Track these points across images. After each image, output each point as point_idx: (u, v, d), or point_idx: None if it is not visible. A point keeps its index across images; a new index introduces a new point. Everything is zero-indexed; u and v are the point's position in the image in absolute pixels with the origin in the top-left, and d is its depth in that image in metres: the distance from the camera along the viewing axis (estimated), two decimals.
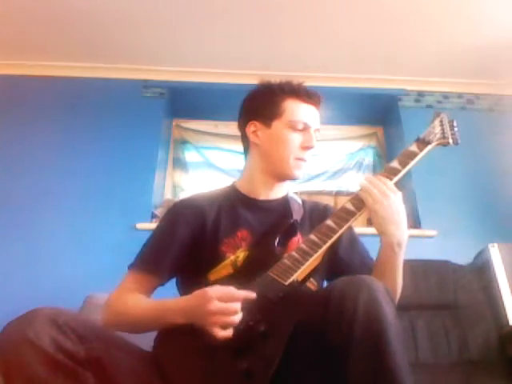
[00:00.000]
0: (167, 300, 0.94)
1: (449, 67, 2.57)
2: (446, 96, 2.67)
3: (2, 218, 2.17)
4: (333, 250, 1.06)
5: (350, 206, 1.00)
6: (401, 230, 0.97)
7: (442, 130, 1.11)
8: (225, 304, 0.81)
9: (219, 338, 0.79)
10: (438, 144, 1.10)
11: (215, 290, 0.83)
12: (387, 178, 1.01)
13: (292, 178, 1.16)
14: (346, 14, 2.23)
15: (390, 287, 0.96)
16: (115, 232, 2.14)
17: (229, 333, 0.80)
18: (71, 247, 2.10)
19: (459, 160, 2.32)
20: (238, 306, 0.81)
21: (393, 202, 0.96)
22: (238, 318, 0.81)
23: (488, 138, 2.48)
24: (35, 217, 2.19)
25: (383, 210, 0.95)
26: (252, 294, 0.84)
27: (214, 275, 1.03)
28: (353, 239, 1.17)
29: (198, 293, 0.85)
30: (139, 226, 2.14)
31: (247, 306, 0.83)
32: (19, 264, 2.06)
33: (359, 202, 1.00)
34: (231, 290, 0.83)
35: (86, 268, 2.00)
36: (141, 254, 1.10)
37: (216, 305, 0.80)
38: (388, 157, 2.75)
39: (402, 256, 0.99)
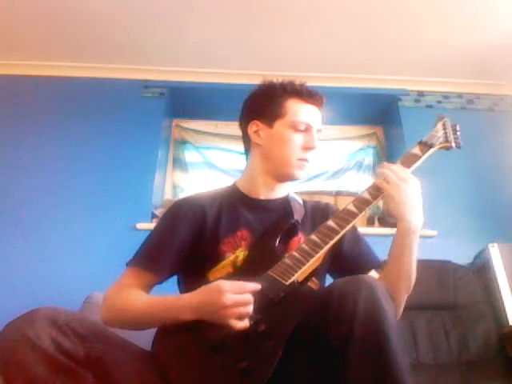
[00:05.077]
0: (171, 296, 0.94)
1: (449, 67, 2.57)
2: (446, 96, 2.67)
3: (2, 218, 2.17)
4: (336, 249, 1.05)
5: (351, 208, 1.00)
6: (417, 215, 0.98)
7: (445, 133, 1.13)
8: (238, 296, 0.82)
9: (238, 328, 0.80)
10: (440, 147, 1.12)
11: (226, 284, 0.83)
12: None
13: (294, 179, 1.16)
14: (346, 14, 2.23)
15: (408, 274, 0.98)
16: (115, 232, 2.14)
17: (246, 323, 0.81)
18: (71, 247, 2.10)
19: (459, 160, 2.31)
20: (250, 296, 0.83)
21: (410, 188, 0.98)
22: (251, 308, 0.82)
23: (488, 137, 2.48)
24: (35, 217, 2.19)
25: (401, 195, 0.97)
26: (258, 286, 0.85)
27: (213, 275, 1.02)
28: (356, 236, 1.17)
29: (209, 287, 0.85)
30: (139, 226, 2.14)
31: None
32: (19, 264, 2.05)
33: (361, 203, 1.00)
34: (241, 282, 0.84)
35: (86, 268, 2.00)
36: (140, 250, 1.09)
37: (231, 297, 0.81)
38: (388, 157, 2.75)
39: (416, 245, 0.99)
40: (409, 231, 0.97)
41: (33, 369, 0.71)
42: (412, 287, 1.01)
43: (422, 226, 0.98)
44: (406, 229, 0.97)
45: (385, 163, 1.05)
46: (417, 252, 0.99)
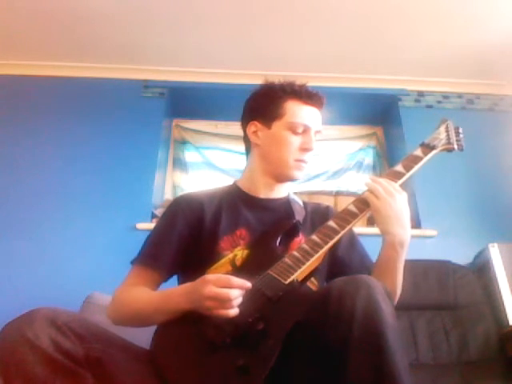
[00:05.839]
0: (169, 288, 0.96)
1: (449, 67, 2.57)
2: (446, 96, 2.67)
3: (2, 218, 2.17)
4: (332, 251, 1.06)
5: (352, 208, 1.01)
6: (404, 229, 0.98)
7: (448, 136, 1.14)
8: (220, 289, 0.81)
9: (221, 315, 0.80)
10: (442, 150, 1.12)
11: (212, 276, 0.85)
12: (391, 180, 1.02)
13: (292, 179, 1.16)
14: (346, 14, 2.23)
15: (390, 287, 0.96)
16: (115, 232, 2.14)
17: (234, 312, 0.81)
18: (71, 247, 2.10)
19: (459, 160, 2.31)
20: (232, 292, 0.81)
21: (397, 202, 0.97)
22: (233, 303, 0.81)
23: (488, 137, 2.48)
24: (35, 217, 2.19)
25: (387, 209, 0.96)
26: (247, 283, 0.84)
27: (212, 273, 1.02)
28: (352, 240, 1.18)
29: (199, 278, 0.87)
30: (139, 226, 2.14)
31: (246, 304, 0.84)
32: (19, 264, 2.05)
33: (362, 204, 1.01)
34: (228, 276, 0.84)
35: (86, 268, 2.00)
36: (142, 248, 1.11)
37: (211, 289, 0.81)
38: (388, 157, 2.75)
39: (403, 256, 0.99)
40: (394, 245, 0.97)
41: (32, 369, 0.71)
42: (396, 300, 1.02)
43: (408, 240, 0.98)
44: (390, 242, 0.98)
45: (372, 176, 1.04)
46: (402, 266, 1.00)
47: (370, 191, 0.99)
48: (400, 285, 1.02)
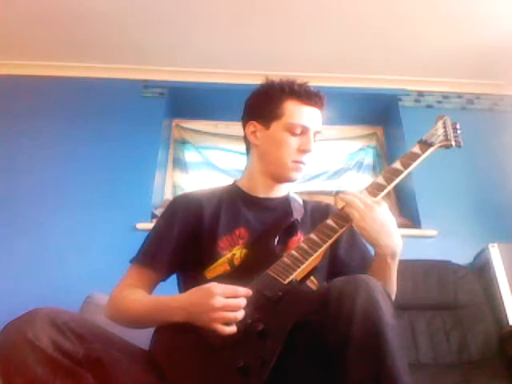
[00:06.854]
0: (165, 297, 0.94)
1: (449, 67, 2.57)
2: (446, 96, 2.67)
3: (2, 218, 2.17)
4: (332, 250, 1.06)
5: None
6: (393, 240, 0.96)
7: (445, 132, 1.12)
8: (228, 299, 0.82)
9: (225, 333, 0.80)
10: (440, 146, 1.11)
11: (218, 286, 0.84)
12: (389, 179, 1.02)
13: (290, 180, 1.16)
14: (347, 15, 2.23)
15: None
16: (115, 232, 2.14)
17: (233, 329, 0.81)
18: (71, 247, 2.10)
19: (459, 160, 2.32)
20: (241, 301, 0.83)
21: (379, 214, 0.95)
22: (240, 314, 0.82)
23: (488, 137, 2.48)
24: (35, 217, 2.19)
25: (371, 223, 0.94)
26: (249, 291, 0.85)
27: (210, 273, 1.03)
28: (353, 238, 1.17)
29: (200, 289, 0.86)
30: (139, 226, 2.14)
31: (246, 305, 0.84)
32: (19, 264, 2.05)
33: None
34: (233, 287, 0.84)
35: (86, 268, 2.00)
36: (141, 248, 1.11)
37: (220, 300, 0.81)
38: (388, 157, 2.75)
39: (395, 266, 0.98)
40: (385, 257, 0.96)
41: (32, 369, 0.71)
42: None
43: (399, 249, 0.97)
44: (383, 255, 0.96)
45: (349, 191, 1.02)
46: (395, 274, 0.99)
47: (351, 208, 0.96)
48: (394, 292, 1.01)
